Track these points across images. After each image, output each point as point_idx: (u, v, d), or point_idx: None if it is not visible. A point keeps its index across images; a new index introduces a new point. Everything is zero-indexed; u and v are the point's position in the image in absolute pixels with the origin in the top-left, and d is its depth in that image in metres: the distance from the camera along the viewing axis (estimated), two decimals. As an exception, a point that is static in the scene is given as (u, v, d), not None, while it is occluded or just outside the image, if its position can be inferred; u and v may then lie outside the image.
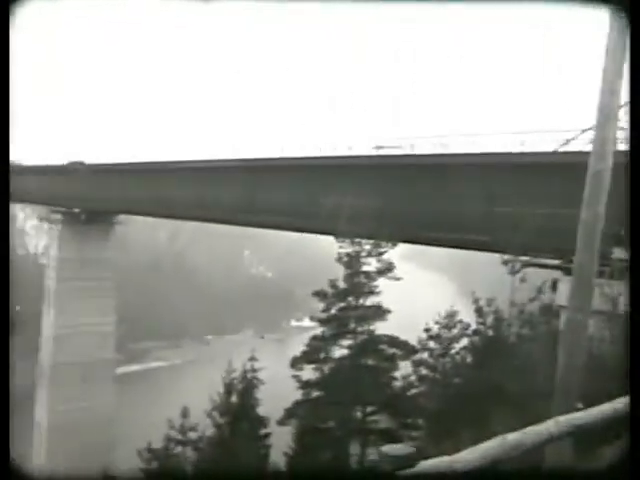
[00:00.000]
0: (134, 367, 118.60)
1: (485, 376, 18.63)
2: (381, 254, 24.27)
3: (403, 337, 25.19)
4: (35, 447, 46.62)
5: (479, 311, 22.65)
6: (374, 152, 27.42)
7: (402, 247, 25.81)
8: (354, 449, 24.06)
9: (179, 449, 28.55)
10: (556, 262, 20.19)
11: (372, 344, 24.28)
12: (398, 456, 4.74)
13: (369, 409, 23.99)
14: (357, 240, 24.00)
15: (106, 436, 45.86)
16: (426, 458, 4.74)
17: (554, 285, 19.56)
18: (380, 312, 24.62)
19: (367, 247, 23.94)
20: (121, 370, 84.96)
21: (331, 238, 25.24)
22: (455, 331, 24.77)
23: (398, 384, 24.63)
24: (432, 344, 24.87)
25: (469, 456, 5.03)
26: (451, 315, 25.18)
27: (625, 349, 6.34)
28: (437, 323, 25.08)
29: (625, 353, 6.28)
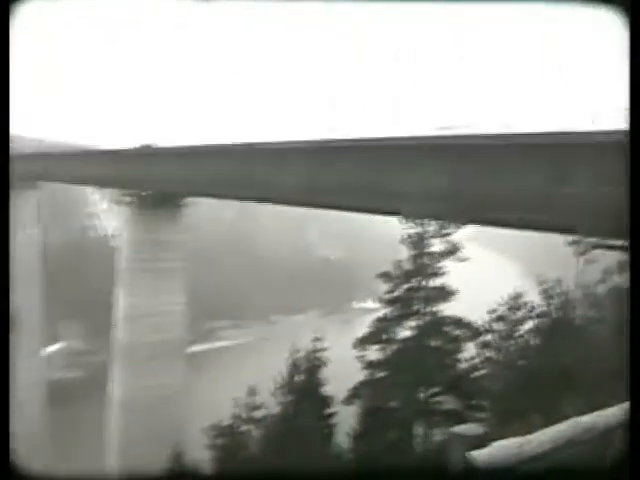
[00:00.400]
0: (202, 346, 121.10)
1: (551, 358, 18.43)
2: (446, 235, 24.12)
3: (468, 319, 25.05)
4: (110, 422, 48.30)
5: (545, 293, 22.32)
6: (438, 132, 27.22)
7: (468, 228, 25.58)
8: (418, 430, 24.14)
9: (245, 427, 29.21)
10: (625, 244, 19.73)
11: (437, 325, 24.22)
12: (469, 436, 4.83)
13: (433, 390, 23.99)
14: (422, 221, 23.90)
15: (176, 413, 47.11)
16: (497, 439, 4.79)
17: (622, 267, 19.15)
18: (445, 293, 24.52)
19: (432, 228, 23.82)
20: (190, 349, 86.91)
21: (396, 219, 25.21)
22: (521, 313, 24.49)
23: (463, 366, 24.54)
24: (497, 326, 24.67)
25: (541, 438, 5.06)
26: (516, 297, 24.89)
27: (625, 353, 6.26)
28: (502, 305, 24.84)
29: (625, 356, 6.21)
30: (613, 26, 7.56)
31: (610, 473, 5.23)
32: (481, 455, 4.67)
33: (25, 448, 64.18)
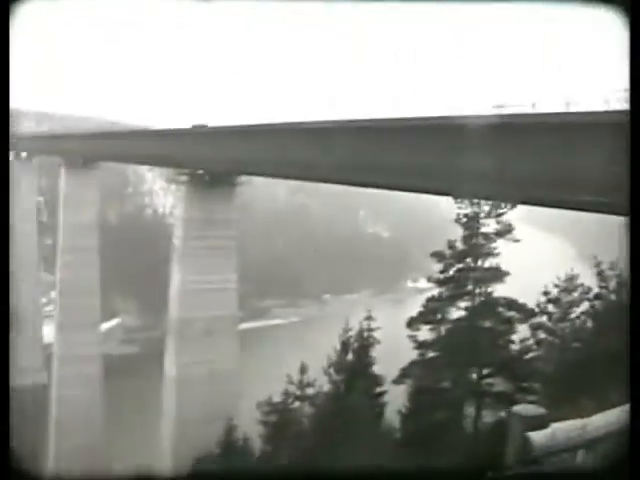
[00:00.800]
0: (255, 324, 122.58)
1: (607, 341, 18.14)
2: (500, 215, 23.84)
3: (521, 300, 24.76)
4: (164, 397, 49.35)
5: (601, 275, 21.92)
6: (494, 111, 26.75)
7: (521, 209, 25.22)
8: (468, 411, 24.08)
9: (297, 404, 29.58)
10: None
11: (489, 306, 24.02)
12: (530, 416, 4.82)
13: (485, 371, 23.86)
14: (476, 201, 23.66)
15: (229, 388, 47.83)
16: (557, 420, 4.76)
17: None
18: (498, 274, 24.28)
19: (486, 208, 23.58)
20: (243, 326, 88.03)
21: (449, 199, 25.01)
22: (575, 295, 24.12)
23: (515, 347, 24.31)
24: (551, 308, 24.34)
25: (601, 420, 5.03)
26: (571, 278, 24.50)
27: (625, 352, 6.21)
28: (556, 286, 24.49)
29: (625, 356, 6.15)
30: (613, 26, 7.60)
31: (610, 473, 5.23)
32: (540, 436, 4.67)
33: (85, 421, 66.03)
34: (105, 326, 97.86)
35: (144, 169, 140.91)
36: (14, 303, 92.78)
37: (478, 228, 23.75)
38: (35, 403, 79.69)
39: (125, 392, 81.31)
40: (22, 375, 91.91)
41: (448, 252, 24.41)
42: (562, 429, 4.94)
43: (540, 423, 4.90)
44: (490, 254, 24.15)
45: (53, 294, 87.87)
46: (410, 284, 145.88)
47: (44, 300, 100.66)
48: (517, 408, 5.05)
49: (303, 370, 29.43)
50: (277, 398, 30.11)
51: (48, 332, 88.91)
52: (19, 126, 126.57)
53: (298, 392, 29.44)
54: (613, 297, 21.33)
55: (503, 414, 21.91)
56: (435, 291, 25.08)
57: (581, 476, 5.71)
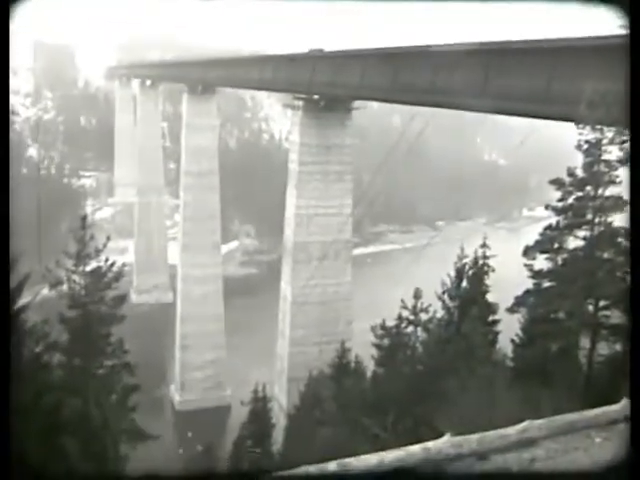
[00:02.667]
0: (369, 249, 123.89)
1: None
2: (624, 142, 22.79)
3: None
4: (280, 317, 51.21)
5: None
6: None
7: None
8: (584, 342, 23.73)
9: (410, 329, 30.00)
10: None
11: (609, 236, 23.23)
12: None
13: (602, 303, 23.33)
14: (598, 127, 22.67)
15: (343, 311, 49.03)
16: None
17: None
18: (620, 203, 23.33)
19: (609, 134, 22.56)
20: (357, 251, 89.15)
21: (570, 124, 24.09)
22: None
23: (635, 279, 23.54)
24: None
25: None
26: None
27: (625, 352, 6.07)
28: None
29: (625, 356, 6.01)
30: (613, 26, 7.46)
31: (610, 473, 5.25)
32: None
33: (208, 338, 69.56)
34: (225, 248, 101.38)
35: (261, 95, 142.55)
36: (139, 228, 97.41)
37: (600, 155, 22.80)
38: (161, 320, 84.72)
39: (244, 312, 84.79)
40: (149, 293, 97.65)
41: (568, 180, 23.66)
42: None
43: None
44: (612, 182, 23.21)
45: (177, 217, 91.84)
46: (526, 212, 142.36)
47: (168, 223, 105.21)
48: None
49: (417, 295, 29.62)
50: (391, 322, 30.54)
51: (173, 253, 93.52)
52: (144, 54, 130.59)
53: (412, 317, 29.75)
54: None
55: (619, 347, 21.54)
56: (552, 220, 24.50)
57: (581, 476, 5.81)
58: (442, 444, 7.11)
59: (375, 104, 53.27)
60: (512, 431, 7.40)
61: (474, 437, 7.26)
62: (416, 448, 6.97)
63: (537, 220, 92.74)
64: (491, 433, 7.34)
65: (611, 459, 5.71)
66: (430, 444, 7.09)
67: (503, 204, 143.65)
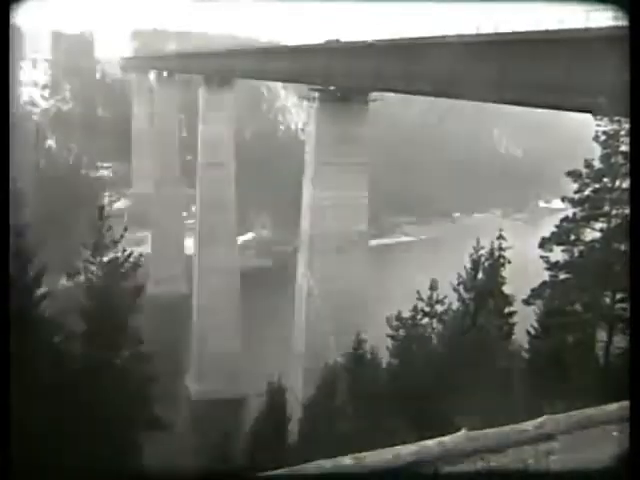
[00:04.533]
0: (385, 240, 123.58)
1: None
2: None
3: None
4: (296, 308, 51.29)
5: None
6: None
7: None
8: (600, 335, 23.65)
9: (425, 320, 29.92)
10: None
11: (626, 229, 23.13)
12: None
13: (619, 296, 23.21)
14: (617, 118, 22.50)
15: (359, 302, 48.94)
16: None
17: None
18: (638, 195, 23.21)
19: (627, 126, 22.39)
20: (373, 242, 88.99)
21: (588, 116, 23.92)
22: None
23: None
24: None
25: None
26: None
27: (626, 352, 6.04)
28: None
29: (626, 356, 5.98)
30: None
31: (610, 473, 5.25)
32: None
33: (224, 328, 69.65)
34: (241, 239, 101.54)
35: (278, 86, 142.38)
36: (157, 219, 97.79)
37: (618, 146, 22.65)
38: (177, 311, 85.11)
39: (260, 302, 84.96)
40: (165, 284, 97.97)
41: (585, 171, 23.55)
42: None
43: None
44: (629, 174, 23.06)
45: (193, 208, 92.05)
46: (542, 204, 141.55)
47: (185, 214, 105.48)
48: None
49: (433, 287, 29.51)
50: (406, 314, 30.44)
51: (189, 245, 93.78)
52: (161, 45, 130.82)
53: (427, 309, 29.66)
54: None
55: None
56: (569, 212, 24.40)
57: (581, 476, 5.81)
58: (458, 439, 7.13)
59: (392, 95, 52.93)
60: (530, 426, 7.40)
61: (491, 432, 7.28)
62: (432, 443, 7.00)
63: (553, 212, 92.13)
64: (508, 428, 7.35)
65: (611, 459, 5.73)
66: (446, 438, 7.11)
67: (519, 196, 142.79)
